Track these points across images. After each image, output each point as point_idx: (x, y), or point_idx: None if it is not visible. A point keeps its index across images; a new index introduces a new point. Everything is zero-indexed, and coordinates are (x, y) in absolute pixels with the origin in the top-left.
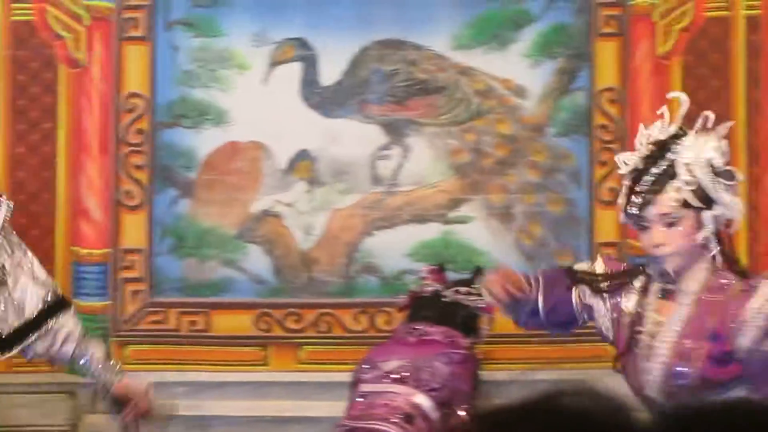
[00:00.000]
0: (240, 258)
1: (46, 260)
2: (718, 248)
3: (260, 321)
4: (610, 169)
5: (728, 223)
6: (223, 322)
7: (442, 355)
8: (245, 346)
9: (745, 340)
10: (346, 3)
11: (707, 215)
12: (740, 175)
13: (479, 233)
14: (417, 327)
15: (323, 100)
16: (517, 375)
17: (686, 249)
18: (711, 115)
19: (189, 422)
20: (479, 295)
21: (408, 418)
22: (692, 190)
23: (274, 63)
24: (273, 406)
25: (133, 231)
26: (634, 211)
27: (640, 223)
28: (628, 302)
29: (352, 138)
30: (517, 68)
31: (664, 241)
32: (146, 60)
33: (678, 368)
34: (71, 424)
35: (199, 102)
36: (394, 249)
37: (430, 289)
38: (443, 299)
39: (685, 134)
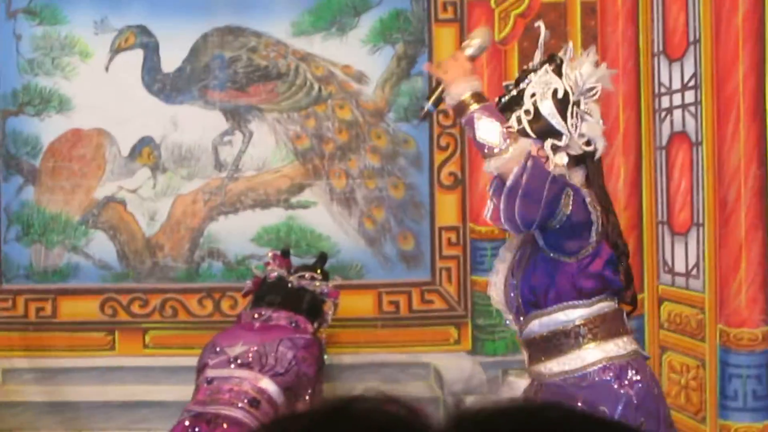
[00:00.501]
0: (85, 244)
1: None
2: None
3: (106, 306)
4: (450, 153)
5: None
6: (70, 307)
7: (287, 339)
8: (92, 331)
9: None
10: None
11: (547, 144)
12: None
13: (322, 218)
14: (262, 312)
15: (165, 86)
16: (362, 358)
17: None
18: (570, 45)
19: (39, 408)
20: (324, 279)
21: (253, 403)
22: (530, 120)
23: (116, 50)
24: (121, 390)
25: None
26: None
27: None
28: None
29: (195, 124)
30: (357, 54)
31: None
32: None
33: None
34: None
35: (42, 90)
36: (238, 234)
37: (274, 274)
38: (288, 285)
39: (544, 66)
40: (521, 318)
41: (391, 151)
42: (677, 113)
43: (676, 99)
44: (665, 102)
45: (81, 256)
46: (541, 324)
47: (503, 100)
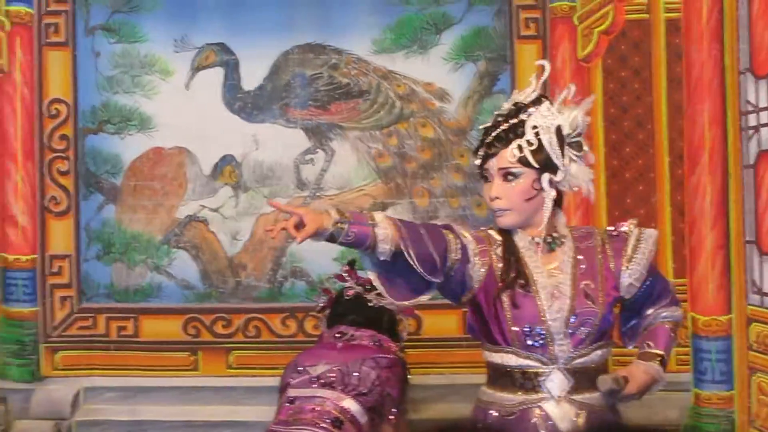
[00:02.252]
0: (167, 263)
1: None
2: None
3: (189, 326)
4: None
5: (578, 191)
6: (152, 327)
7: (371, 359)
8: (175, 351)
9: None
10: (267, 8)
11: (545, 177)
12: (591, 155)
13: None
14: (344, 331)
15: (246, 104)
16: (446, 379)
17: (520, 206)
18: (573, 88)
19: (121, 427)
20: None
21: (336, 423)
22: (532, 150)
23: (196, 68)
24: (203, 410)
25: (61, 237)
26: (478, 162)
27: (483, 175)
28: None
29: (276, 142)
30: (439, 72)
31: (500, 195)
32: (68, 65)
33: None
34: (1, 429)
35: (122, 107)
36: (321, 253)
37: (352, 291)
38: (368, 303)
39: (542, 102)
40: (580, 346)
41: (474, 169)
42: (765, 131)
43: (764, 117)
44: (752, 120)
45: (163, 275)
46: (602, 354)
47: (497, 128)
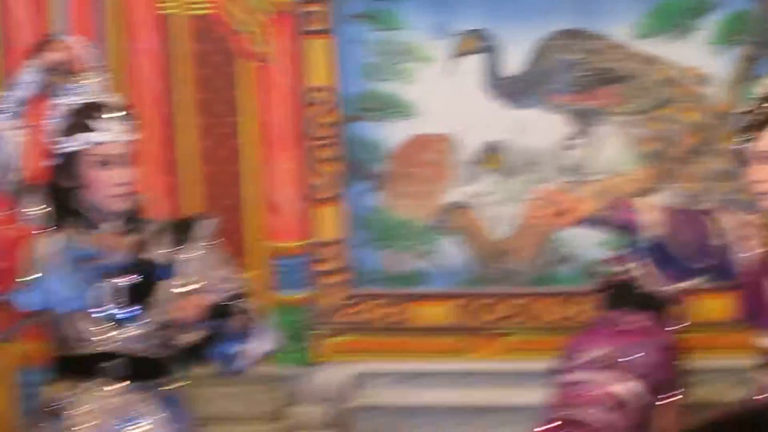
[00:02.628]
0: (435, 249)
1: (241, 253)
2: None
3: (457, 311)
4: None
5: None
6: (421, 312)
7: (645, 343)
8: (444, 336)
9: None
10: None
11: None
12: None
13: None
14: (618, 315)
15: (507, 91)
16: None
17: None
18: None
19: (393, 412)
20: None
21: (610, 407)
22: None
23: (457, 55)
24: (475, 395)
25: (329, 223)
26: (738, 146)
27: (744, 159)
28: None
29: (539, 128)
30: (700, 56)
31: (762, 178)
32: (329, 53)
33: None
34: (274, 414)
35: (384, 95)
36: (588, 238)
37: (625, 274)
38: (641, 286)
39: None
40: None
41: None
42: None
43: None
44: None
45: (431, 261)
46: None
47: (754, 112)
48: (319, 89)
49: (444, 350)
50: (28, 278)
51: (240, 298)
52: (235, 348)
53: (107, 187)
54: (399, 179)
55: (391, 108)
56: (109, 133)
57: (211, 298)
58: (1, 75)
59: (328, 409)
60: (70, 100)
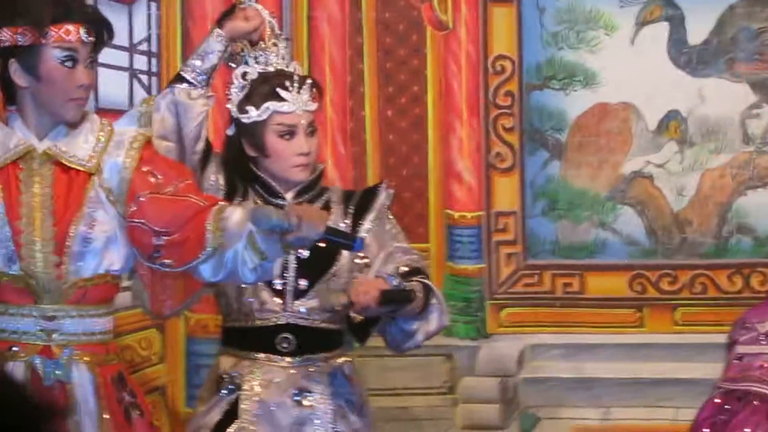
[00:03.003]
0: (612, 220)
1: (420, 223)
2: None
3: (635, 283)
4: None
5: None
6: (597, 283)
7: None
8: (620, 308)
9: None
10: None
11: None
12: None
13: None
14: None
15: (691, 59)
16: None
17: None
18: None
19: (567, 384)
20: None
21: None
22: None
23: (642, 23)
24: (649, 367)
25: (506, 193)
26: None
27: None
28: None
29: (721, 97)
30: None
31: None
32: (512, 22)
33: None
34: (448, 386)
35: (567, 64)
36: (767, 209)
37: None
38: None
39: None
40: None
41: None
42: None
43: None
44: None
45: (608, 231)
46: None
47: None
48: (502, 58)
49: (619, 322)
50: (209, 249)
51: (419, 273)
52: (412, 325)
53: (290, 157)
54: (579, 148)
55: (574, 77)
56: (293, 103)
57: (390, 284)
58: (188, 44)
59: (501, 380)
60: (256, 68)
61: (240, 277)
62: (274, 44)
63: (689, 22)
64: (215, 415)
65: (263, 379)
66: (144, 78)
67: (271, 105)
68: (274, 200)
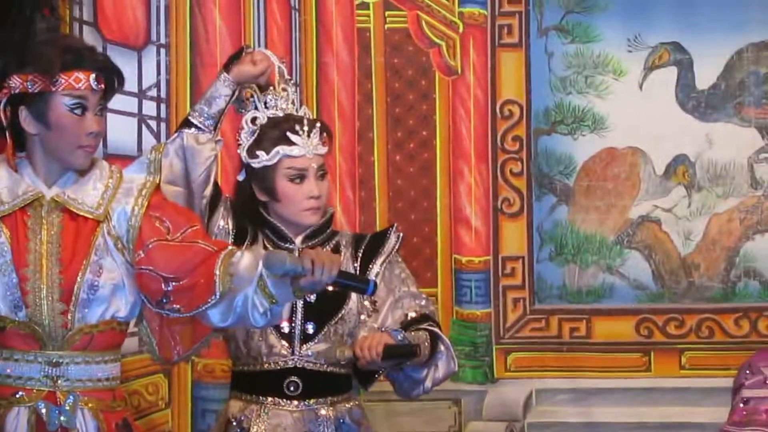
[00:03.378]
0: (619, 264)
1: (428, 267)
2: None
3: (642, 327)
4: None
5: None
6: (604, 328)
7: None
8: (627, 352)
9: None
10: (719, 6)
11: None
12: None
13: None
14: None
15: (699, 104)
16: None
17: None
18: None
19: (573, 429)
20: None
21: None
22: None
23: (650, 68)
24: (656, 411)
25: (513, 238)
26: None
27: None
28: None
29: (730, 142)
30: None
31: None
32: (521, 67)
33: None
34: (455, 431)
35: (575, 108)
36: None
37: None
38: None
39: None
40: None
41: None
42: None
43: None
44: None
45: (616, 276)
46: None
47: None
48: (510, 102)
49: (626, 366)
50: (217, 294)
51: (427, 320)
52: (420, 373)
53: (301, 201)
54: (586, 193)
55: (582, 121)
56: (303, 147)
57: (395, 339)
58: (197, 90)
59: (508, 425)
60: (266, 113)
61: (250, 322)
62: (284, 89)
63: (697, 66)
64: None
65: (269, 424)
66: (153, 123)
67: (281, 149)
68: (283, 245)
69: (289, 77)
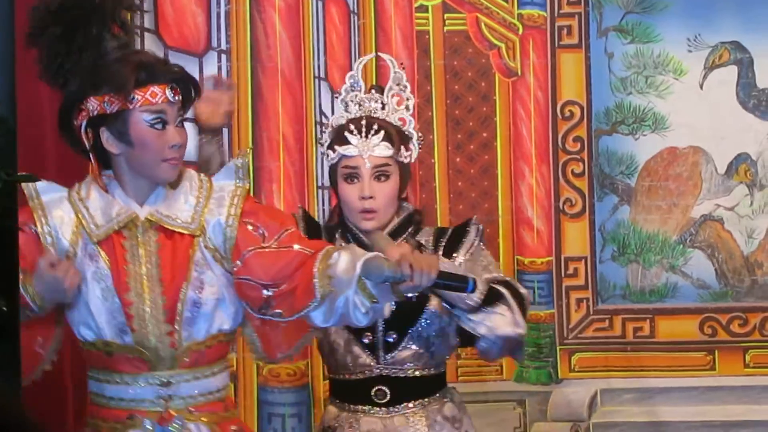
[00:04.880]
0: (682, 263)
1: None
2: None
3: (705, 326)
4: None
5: None
6: (668, 327)
7: None
8: (691, 351)
9: None
10: None
11: None
12: None
13: None
14: None
15: (760, 102)
16: None
17: None
18: None
19: (639, 428)
20: None
21: None
22: None
23: (710, 67)
24: (720, 410)
25: (576, 239)
26: None
27: None
28: None
29: None
30: None
31: None
32: (581, 67)
33: None
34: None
35: (636, 108)
36: None
37: None
38: None
39: None
40: None
41: None
42: None
43: None
44: None
45: (679, 275)
46: None
47: None
48: (571, 103)
49: (690, 365)
50: (318, 297)
51: (504, 284)
52: (476, 319)
53: (353, 201)
54: (648, 193)
55: (643, 121)
56: (357, 147)
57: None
58: (259, 95)
59: (573, 425)
60: (345, 115)
61: (353, 320)
62: (353, 92)
63: (758, 65)
64: None
65: (361, 430)
66: None
67: (339, 149)
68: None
69: (406, 85)
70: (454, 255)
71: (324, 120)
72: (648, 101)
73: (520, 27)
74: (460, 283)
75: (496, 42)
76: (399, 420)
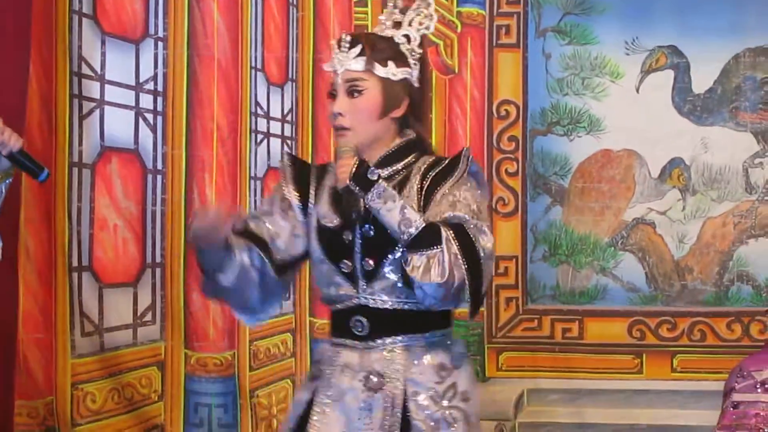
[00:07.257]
0: (613, 266)
1: None
2: None
3: (634, 329)
4: None
5: None
6: (597, 329)
7: None
8: (619, 354)
9: None
10: (717, 11)
11: None
12: None
13: None
14: None
15: (695, 107)
16: None
17: None
18: None
19: (564, 429)
20: None
21: None
22: None
23: (647, 71)
24: (647, 413)
25: (507, 238)
26: None
27: None
28: None
29: (725, 146)
30: None
31: None
32: (518, 67)
33: None
34: None
35: (571, 109)
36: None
37: None
38: None
39: None
40: None
41: None
42: None
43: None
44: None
45: (609, 277)
46: None
47: None
48: (507, 102)
49: (618, 368)
50: None
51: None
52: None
53: (329, 120)
54: (581, 194)
55: (579, 123)
56: (334, 62)
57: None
58: (194, 83)
59: (498, 424)
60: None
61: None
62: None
63: (694, 70)
64: (305, 395)
65: (339, 364)
66: (149, 117)
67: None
68: None
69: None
70: (443, 183)
71: (259, 111)
72: (584, 103)
73: (459, 25)
74: (36, 168)
75: (434, 39)
76: (376, 356)
